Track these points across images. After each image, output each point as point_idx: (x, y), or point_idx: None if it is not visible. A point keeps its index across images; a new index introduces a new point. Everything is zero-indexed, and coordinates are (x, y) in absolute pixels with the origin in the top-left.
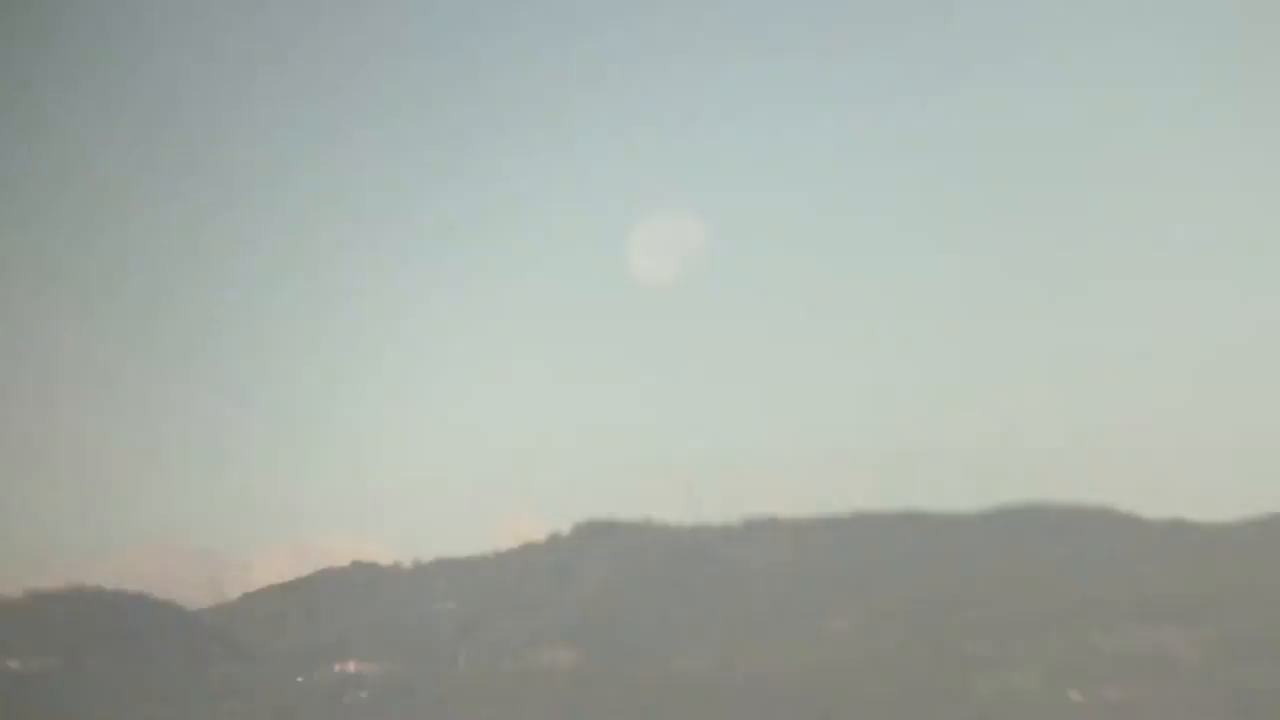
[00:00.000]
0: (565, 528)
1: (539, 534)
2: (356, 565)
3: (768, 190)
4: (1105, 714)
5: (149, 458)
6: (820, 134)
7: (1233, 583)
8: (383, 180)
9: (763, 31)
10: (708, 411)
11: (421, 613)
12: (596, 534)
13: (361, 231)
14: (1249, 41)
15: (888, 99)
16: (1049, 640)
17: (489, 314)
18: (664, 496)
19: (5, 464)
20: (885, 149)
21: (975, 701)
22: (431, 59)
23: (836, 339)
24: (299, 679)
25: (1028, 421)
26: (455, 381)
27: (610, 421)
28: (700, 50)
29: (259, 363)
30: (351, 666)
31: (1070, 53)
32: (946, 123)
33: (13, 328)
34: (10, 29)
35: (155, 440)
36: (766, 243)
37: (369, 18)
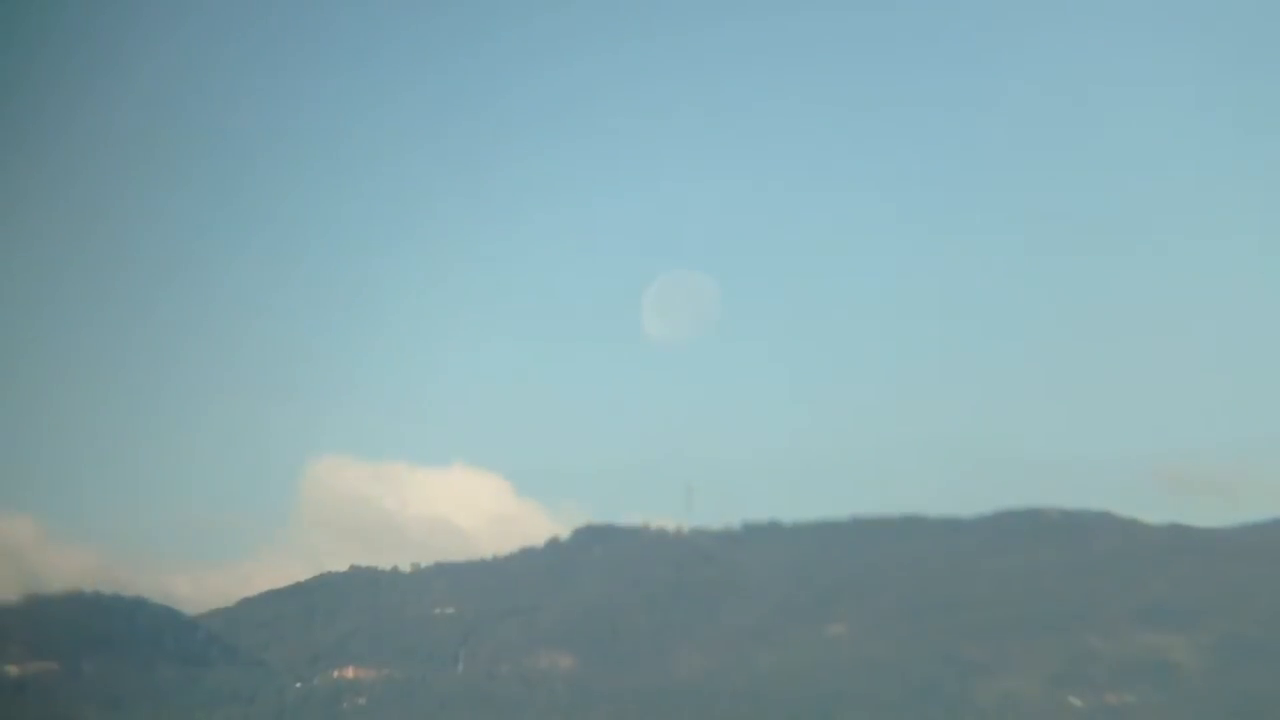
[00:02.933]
0: (564, 532)
1: (538, 538)
2: (355, 570)
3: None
4: (1105, 719)
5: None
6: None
7: (1232, 588)
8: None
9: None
10: (708, 417)
11: (420, 618)
12: (595, 538)
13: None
14: None
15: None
16: (1049, 645)
17: (494, 323)
18: (663, 500)
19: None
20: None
21: (975, 707)
22: (450, 124)
23: (837, 345)
24: (297, 684)
25: (1028, 427)
26: (458, 387)
27: (611, 425)
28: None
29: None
30: (350, 672)
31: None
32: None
33: (13, 328)
34: (10, 29)
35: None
36: (766, 248)
37: (389, 78)
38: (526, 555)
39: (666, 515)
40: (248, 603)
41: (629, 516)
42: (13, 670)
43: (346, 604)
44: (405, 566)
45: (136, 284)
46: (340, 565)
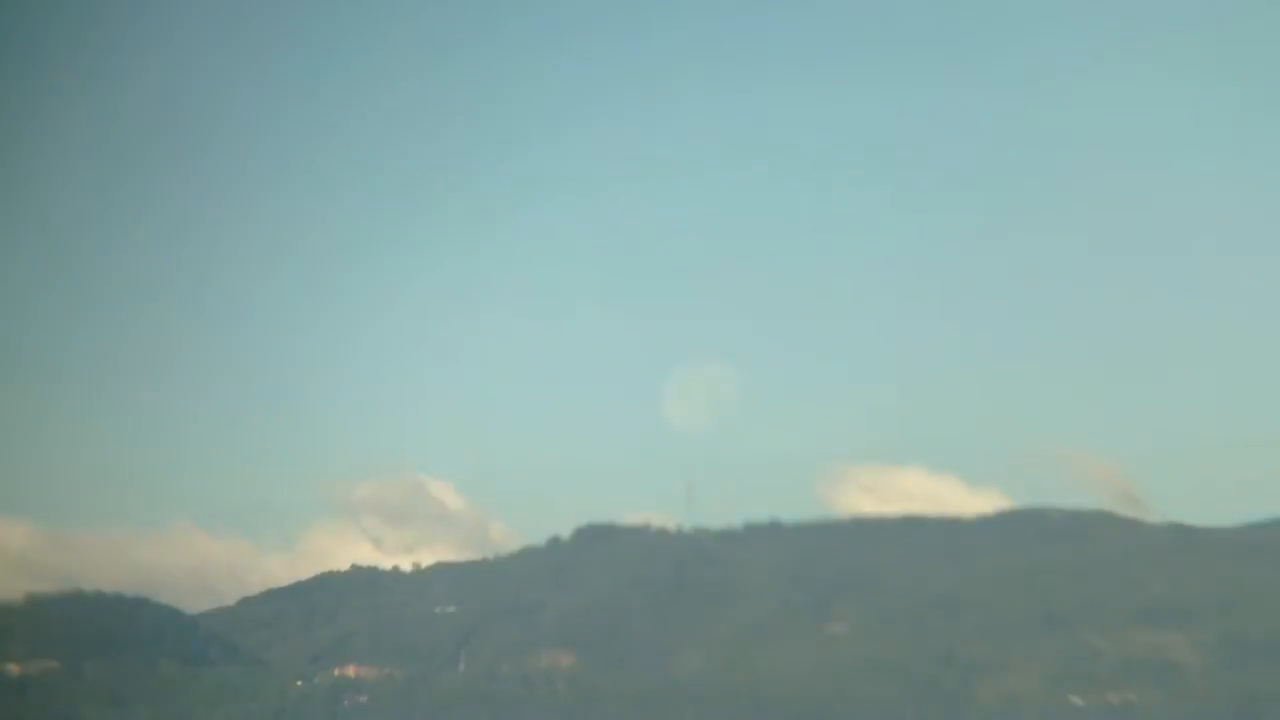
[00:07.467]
0: (565, 532)
1: (539, 538)
2: (356, 569)
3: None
4: (1106, 718)
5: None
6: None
7: (1233, 587)
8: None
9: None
10: (708, 415)
11: (421, 617)
12: (596, 538)
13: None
14: None
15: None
16: (1050, 644)
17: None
18: (664, 500)
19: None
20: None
21: (976, 705)
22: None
23: (837, 343)
24: (298, 683)
25: (1027, 426)
26: (460, 387)
27: (610, 424)
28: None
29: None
30: (351, 670)
31: None
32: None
33: (15, 328)
34: (11, 29)
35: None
36: (763, 247)
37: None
38: (527, 555)
39: (666, 515)
40: (248, 602)
41: (629, 516)
42: (14, 669)
43: (347, 603)
44: (406, 566)
45: (144, 291)
46: (341, 565)
